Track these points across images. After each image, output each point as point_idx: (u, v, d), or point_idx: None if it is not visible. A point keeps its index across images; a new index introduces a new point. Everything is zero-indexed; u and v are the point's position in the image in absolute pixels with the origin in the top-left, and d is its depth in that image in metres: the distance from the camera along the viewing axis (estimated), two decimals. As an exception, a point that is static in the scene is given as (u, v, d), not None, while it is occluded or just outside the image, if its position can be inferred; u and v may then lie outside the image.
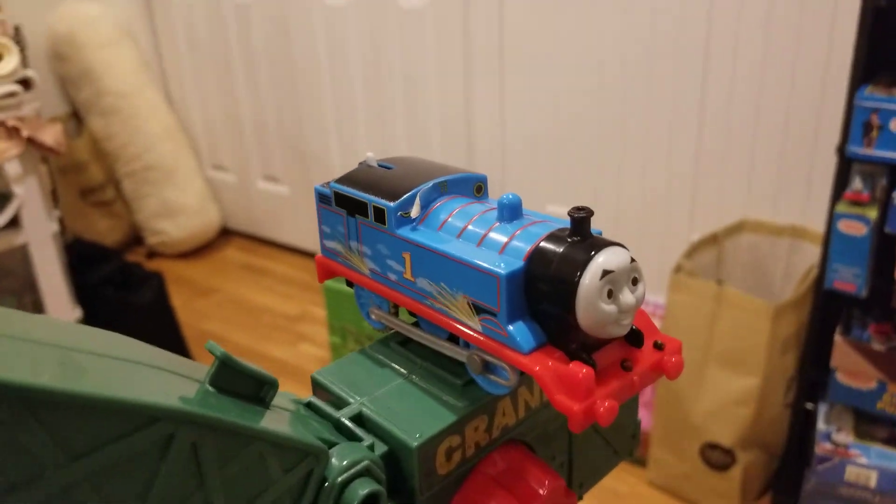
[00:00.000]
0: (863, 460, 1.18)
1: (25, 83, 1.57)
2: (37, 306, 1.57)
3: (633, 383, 0.31)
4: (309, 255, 2.32)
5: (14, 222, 1.52)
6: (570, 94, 1.61)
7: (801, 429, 1.30)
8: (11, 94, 1.50)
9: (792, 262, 1.43)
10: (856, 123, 1.08)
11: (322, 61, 1.99)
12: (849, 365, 1.18)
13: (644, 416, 1.43)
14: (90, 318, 1.62)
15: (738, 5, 1.36)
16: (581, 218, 0.30)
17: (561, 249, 0.30)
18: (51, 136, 1.61)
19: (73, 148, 2.14)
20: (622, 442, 0.44)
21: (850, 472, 1.19)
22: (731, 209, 1.49)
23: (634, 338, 0.32)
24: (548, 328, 0.31)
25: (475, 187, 0.38)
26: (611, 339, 0.31)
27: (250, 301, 2.08)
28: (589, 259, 0.29)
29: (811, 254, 1.35)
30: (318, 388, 0.37)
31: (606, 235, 0.31)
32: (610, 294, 0.29)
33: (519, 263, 0.31)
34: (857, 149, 1.09)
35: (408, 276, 0.35)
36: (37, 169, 1.65)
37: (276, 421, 0.28)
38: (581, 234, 0.30)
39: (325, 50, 1.98)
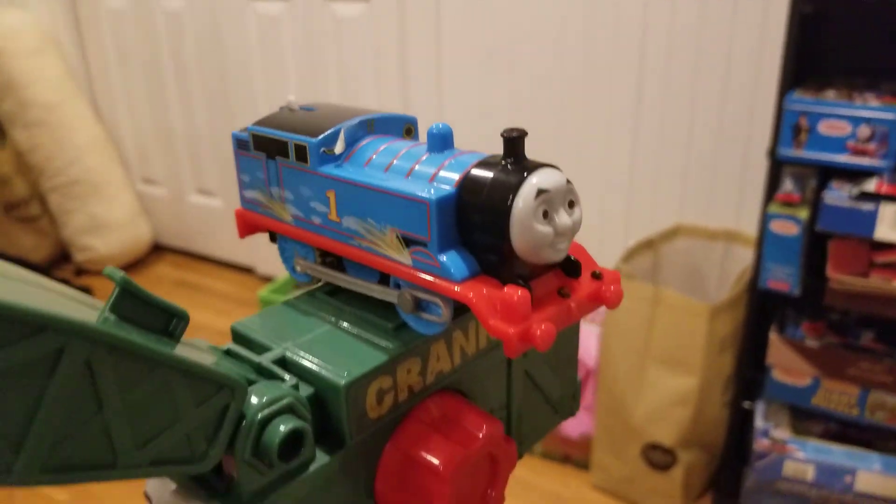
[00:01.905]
0: (800, 455, 1.20)
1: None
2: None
3: (571, 310, 0.29)
4: (245, 269, 2.26)
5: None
6: (506, 101, 1.63)
7: (740, 427, 1.31)
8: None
9: (726, 266, 1.46)
10: (785, 126, 1.11)
11: (256, 71, 1.96)
12: (784, 362, 1.21)
13: (585, 421, 1.43)
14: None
15: (670, 12, 1.39)
16: (514, 138, 0.29)
17: (493, 174, 0.29)
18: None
19: (-7, 161, 2.04)
20: (562, 401, 0.42)
21: (788, 467, 1.21)
22: (665, 214, 1.51)
23: (571, 267, 0.31)
24: (481, 258, 0.30)
25: (405, 129, 0.36)
26: (546, 267, 0.30)
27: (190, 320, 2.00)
28: (523, 179, 0.28)
29: (745, 257, 1.38)
30: (238, 337, 0.34)
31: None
32: (546, 215, 0.28)
33: (449, 190, 0.29)
34: (787, 151, 1.12)
35: (333, 216, 0.33)
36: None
37: (186, 353, 0.26)
38: (514, 155, 0.29)
39: (259, 59, 1.95)
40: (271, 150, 0.35)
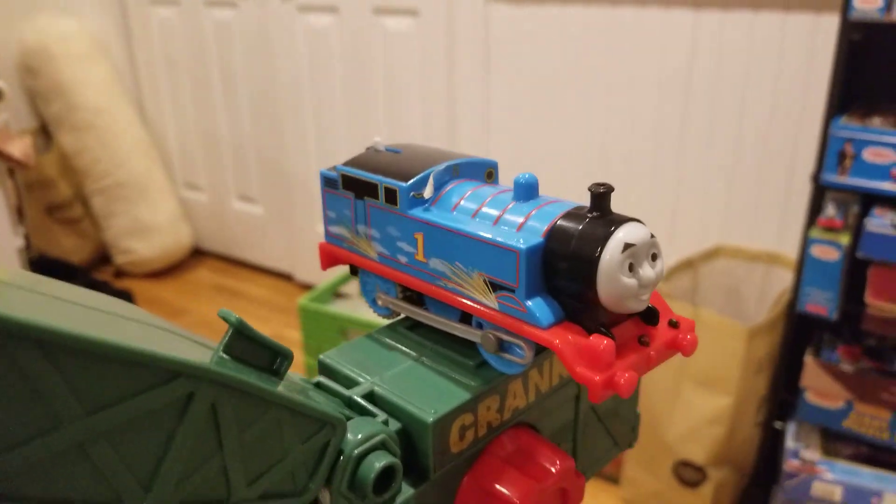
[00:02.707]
0: (828, 476, 1.20)
1: (-5, 94, 1.54)
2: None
3: (651, 358, 0.31)
4: (283, 276, 2.29)
5: (-21, 234, 1.49)
6: (551, 119, 1.64)
7: (771, 447, 1.32)
8: (-19, 105, 1.47)
9: (766, 287, 1.46)
10: (830, 152, 1.11)
11: (304, 81, 2.00)
12: (818, 385, 1.21)
13: (620, 438, 1.43)
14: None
15: (719, 35, 1.40)
16: (601, 193, 0.31)
17: (581, 225, 0.30)
18: (19, 148, 1.58)
19: (40, 163, 2.10)
20: (622, 433, 0.44)
21: (817, 488, 1.21)
22: (707, 235, 1.51)
23: (650, 315, 0.32)
24: (565, 304, 0.31)
25: (486, 172, 0.38)
26: (627, 315, 0.32)
27: (222, 323, 2.04)
28: (610, 233, 0.30)
29: (784, 279, 1.38)
30: (325, 370, 0.36)
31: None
32: (630, 268, 0.29)
33: (538, 239, 0.31)
34: (831, 177, 1.12)
35: (419, 257, 0.35)
36: (3, 182, 1.62)
37: (291, 391, 0.28)
38: (601, 209, 0.31)
39: (307, 70, 1.98)
40: (360, 190, 0.37)
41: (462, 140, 1.79)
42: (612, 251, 0.29)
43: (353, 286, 1.77)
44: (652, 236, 0.30)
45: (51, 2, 2.14)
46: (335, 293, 1.72)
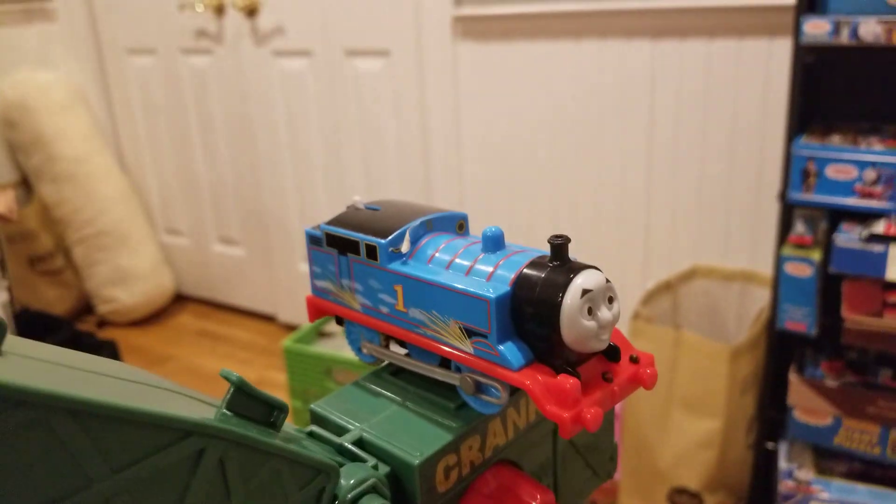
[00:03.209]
0: (825, 495, 1.20)
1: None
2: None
3: (614, 393, 0.33)
4: (266, 318, 2.30)
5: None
6: (522, 148, 1.68)
7: (765, 468, 1.32)
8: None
9: (744, 305, 1.49)
10: (794, 171, 1.14)
11: (280, 123, 2.03)
12: (805, 402, 1.22)
13: (610, 463, 1.44)
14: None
15: (678, 63, 1.45)
16: (559, 245, 0.33)
17: (543, 274, 0.33)
18: (2, 203, 1.59)
19: (21, 216, 2.11)
20: (601, 464, 0.46)
21: (813, 508, 1.22)
22: (682, 256, 1.55)
23: (612, 353, 0.35)
24: (534, 346, 0.34)
25: (457, 224, 0.41)
26: (591, 354, 0.34)
27: (207, 368, 2.05)
28: (569, 280, 0.32)
29: (761, 296, 1.41)
30: (316, 418, 0.38)
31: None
32: (590, 311, 0.32)
33: (506, 288, 0.34)
34: (797, 195, 1.15)
35: (400, 307, 0.38)
36: (-12, 237, 1.62)
37: (288, 442, 0.30)
38: (560, 258, 0.33)
39: (283, 112, 2.02)
40: (343, 247, 0.40)
41: (435, 177, 1.82)
42: (572, 296, 0.32)
43: (336, 325, 1.78)
44: (607, 281, 0.33)
45: (28, 55, 2.17)
46: (319, 332, 1.73)
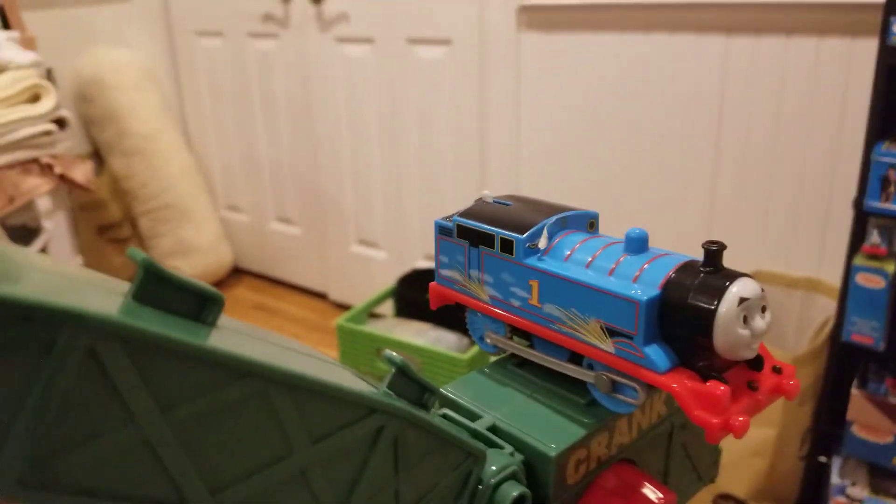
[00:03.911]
0: (877, 515, 1.19)
1: (60, 123, 1.61)
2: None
3: (759, 402, 0.34)
4: (318, 295, 2.34)
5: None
6: (587, 141, 1.67)
7: (815, 482, 1.30)
8: (47, 133, 1.54)
9: (805, 314, 1.46)
10: (873, 178, 1.11)
11: (340, 108, 2.05)
12: (865, 418, 1.19)
13: (661, 465, 1.44)
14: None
15: (752, 59, 1.42)
16: (714, 251, 0.34)
17: (697, 279, 0.33)
18: (81, 173, 1.65)
19: (94, 186, 2.18)
20: (706, 467, 0.46)
21: (865, 527, 1.20)
22: (745, 260, 1.53)
23: (756, 362, 0.35)
24: (679, 350, 0.34)
25: (588, 223, 0.41)
26: (735, 361, 0.34)
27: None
28: (726, 288, 0.33)
29: (825, 306, 1.38)
30: (446, 402, 0.39)
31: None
32: (745, 320, 0.32)
33: (655, 291, 0.34)
34: (874, 203, 1.12)
35: (533, 302, 0.38)
36: (66, 205, 1.68)
37: (443, 424, 0.31)
38: (714, 264, 0.34)
39: (343, 97, 2.04)
40: (475, 239, 0.40)
41: (491, 169, 1.82)
42: (728, 304, 0.32)
43: (387, 307, 1.81)
44: (762, 290, 0.33)
45: (104, 34, 2.24)
46: (370, 313, 1.76)
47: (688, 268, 0.34)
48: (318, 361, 0.28)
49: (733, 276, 0.33)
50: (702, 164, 1.53)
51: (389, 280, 1.85)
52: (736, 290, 0.32)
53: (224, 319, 0.24)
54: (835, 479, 1.24)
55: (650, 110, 1.56)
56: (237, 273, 2.52)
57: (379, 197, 2.07)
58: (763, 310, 0.33)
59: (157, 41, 2.36)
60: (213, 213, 2.40)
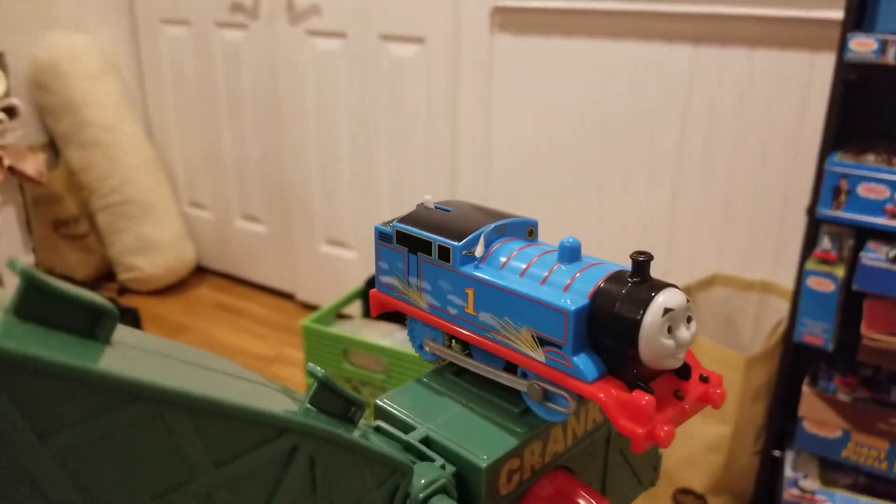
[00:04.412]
0: (828, 506, 1.23)
1: (9, 111, 1.57)
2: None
3: (685, 411, 0.34)
4: (284, 296, 2.32)
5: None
6: (553, 143, 1.68)
7: (770, 475, 1.34)
8: (-3, 123, 1.50)
9: (761, 316, 1.49)
10: (826, 187, 1.15)
11: (309, 103, 2.03)
12: (815, 415, 1.23)
13: (619, 463, 1.46)
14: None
15: (717, 68, 1.45)
16: (642, 261, 0.34)
17: (623, 289, 0.34)
18: (32, 165, 1.61)
19: (48, 179, 2.12)
20: (646, 472, 0.47)
21: (817, 518, 1.24)
22: (704, 263, 1.55)
23: (683, 371, 0.35)
24: (607, 360, 0.34)
25: (528, 231, 0.41)
26: (662, 371, 0.35)
27: (224, 341, 2.07)
28: (651, 298, 0.33)
29: (779, 307, 1.42)
30: (381, 413, 0.39)
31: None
32: (669, 330, 0.33)
33: (584, 301, 0.34)
34: (826, 211, 1.16)
35: (469, 310, 0.38)
36: (15, 198, 1.64)
37: (365, 439, 0.31)
38: (641, 275, 0.34)
39: (313, 92, 2.02)
40: (414, 246, 0.40)
41: (462, 169, 1.82)
42: (653, 314, 0.32)
43: (354, 308, 1.80)
44: (688, 300, 0.34)
45: (62, 18, 2.17)
46: (338, 314, 1.74)
47: (617, 278, 0.35)
48: (232, 379, 0.27)
49: (659, 286, 0.33)
50: (665, 168, 1.56)
51: (359, 280, 1.85)
52: (661, 300, 0.33)
53: (124, 334, 0.23)
54: (788, 472, 1.28)
55: (617, 115, 1.58)
56: (200, 272, 2.48)
57: (348, 195, 2.05)
58: (689, 320, 0.34)
59: (118, 27, 2.31)
60: (175, 209, 2.36)
